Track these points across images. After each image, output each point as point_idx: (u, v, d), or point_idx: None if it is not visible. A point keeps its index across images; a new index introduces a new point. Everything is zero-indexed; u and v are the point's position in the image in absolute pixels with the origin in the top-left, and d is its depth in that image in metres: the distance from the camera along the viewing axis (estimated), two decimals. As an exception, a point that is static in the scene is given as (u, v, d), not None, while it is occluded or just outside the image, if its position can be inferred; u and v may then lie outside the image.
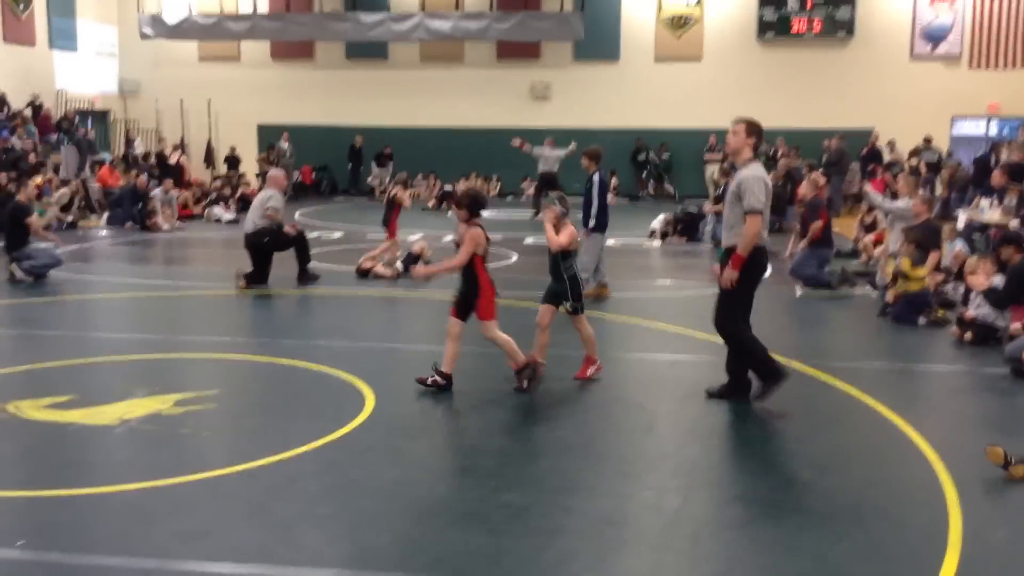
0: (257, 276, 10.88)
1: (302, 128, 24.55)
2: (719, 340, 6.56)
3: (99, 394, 6.34)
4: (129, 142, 23.74)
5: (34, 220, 11.16)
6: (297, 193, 23.90)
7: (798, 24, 23.41)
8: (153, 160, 21.34)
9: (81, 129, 21.90)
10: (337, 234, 16.30)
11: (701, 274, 11.74)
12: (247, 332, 8.68)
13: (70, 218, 16.44)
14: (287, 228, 11.36)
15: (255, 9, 24.00)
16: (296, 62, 25.80)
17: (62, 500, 4.66)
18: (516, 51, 24.52)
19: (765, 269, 6.43)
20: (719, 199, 15.15)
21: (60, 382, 6.69)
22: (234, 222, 17.98)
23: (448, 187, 22.12)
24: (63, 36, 23.96)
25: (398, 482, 4.93)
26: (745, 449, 5.73)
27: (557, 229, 6.80)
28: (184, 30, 23.95)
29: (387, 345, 8.09)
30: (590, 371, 6.94)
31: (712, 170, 21.46)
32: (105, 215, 17.29)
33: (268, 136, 24.88)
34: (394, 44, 24.90)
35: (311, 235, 14.91)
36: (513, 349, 6.55)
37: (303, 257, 11.34)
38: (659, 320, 9.13)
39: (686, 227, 15.65)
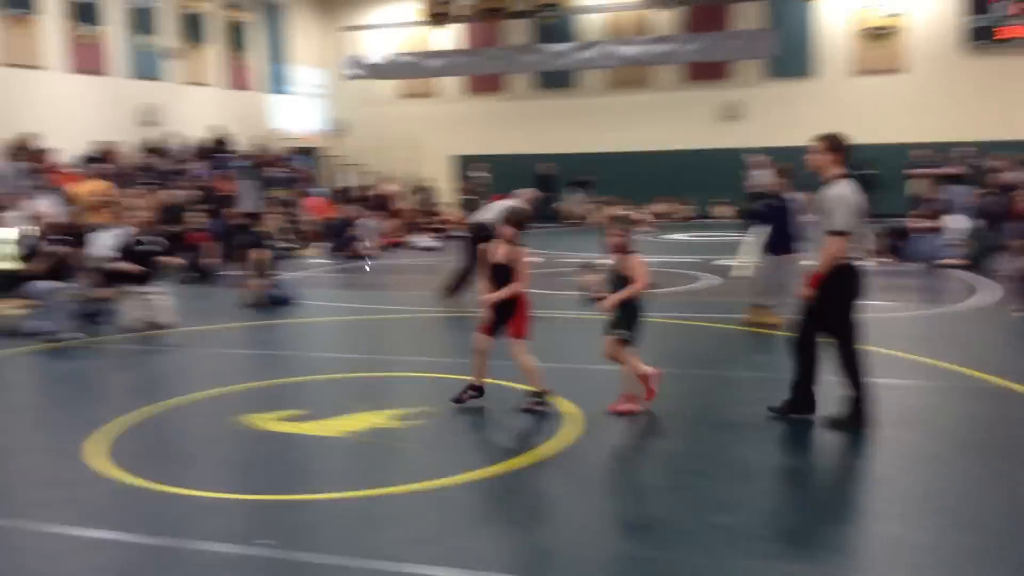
0: (460, 282, 11.36)
1: (496, 158, 25.31)
2: (932, 363, 6.30)
3: (325, 408, 6.81)
4: (340, 176, 25.26)
5: (260, 253, 12.10)
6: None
7: (1006, 31, 21.99)
8: (361, 192, 22.59)
9: (287, 167, 23.46)
10: (536, 259, 16.63)
11: (909, 294, 11.22)
12: (455, 352, 9.03)
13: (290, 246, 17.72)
14: None
15: (451, 46, 25.08)
16: (489, 95, 26.69)
17: (300, 504, 5.05)
18: (705, 72, 24.34)
19: (855, 289, 6.12)
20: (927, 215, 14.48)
21: (291, 397, 7.25)
22: (434, 249, 18.78)
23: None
24: (278, 80, 25.92)
25: (610, 500, 5.03)
26: (967, 474, 5.45)
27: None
28: (385, 70, 25.34)
29: (596, 367, 8.21)
30: (626, 406, 6.62)
31: (917, 185, 20.41)
32: (320, 245, 18.49)
33: (465, 167, 25.84)
34: (582, 72, 25.30)
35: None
36: (534, 378, 6.59)
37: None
38: (871, 344, 8.80)
39: (893, 245, 15.01)
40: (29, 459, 6.03)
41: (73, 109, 19.07)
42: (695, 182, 23.39)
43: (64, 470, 5.67)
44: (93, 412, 7.10)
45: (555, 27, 24.29)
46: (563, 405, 6.80)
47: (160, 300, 10.58)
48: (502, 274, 6.63)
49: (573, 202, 24.45)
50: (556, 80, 25.67)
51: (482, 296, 6.78)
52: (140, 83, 21.03)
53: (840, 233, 5.90)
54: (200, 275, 14.44)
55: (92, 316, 10.73)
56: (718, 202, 23.64)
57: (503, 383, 7.53)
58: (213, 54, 23.50)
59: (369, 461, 5.83)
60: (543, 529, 4.64)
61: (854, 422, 6.04)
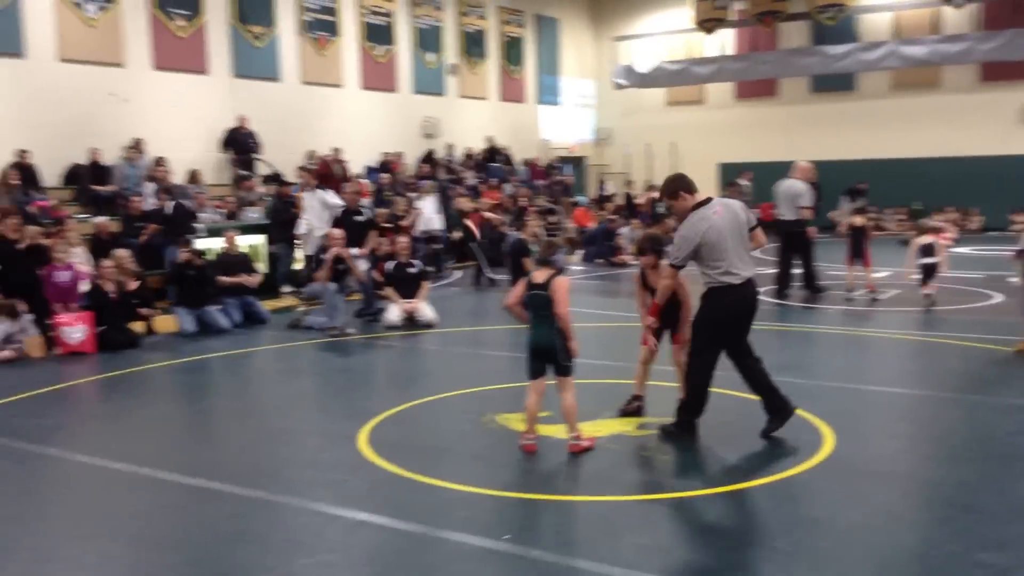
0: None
1: (764, 165, 24.55)
2: None
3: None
4: (601, 185, 25.63)
5: (529, 262, 12.53)
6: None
7: None
8: (622, 201, 22.76)
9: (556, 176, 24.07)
10: (798, 271, 15.98)
11: None
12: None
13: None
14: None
15: (721, 52, 24.66)
16: (759, 100, 25.98)
17: (541, 503, 5.21)
18: (1003, 72, 22.23)
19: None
20: None
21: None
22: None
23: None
24: (548, 92, 26.72)
25: (859, 526, 4.75)
26: None
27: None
28: (654, 78, 25.35)
29: (849, 385, 7.80)
30: None
31: None
32: (580, 252, 18.85)
33: (729, 175, 25.28)
34: (862, 74, 23.99)
35: (769, 271, 14.86)
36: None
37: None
38: None
39: None
40: (305, 441, 6.64)
41: (365, 123, 20.75)
42: (985, 191, 21.43)
43: (334, 454, 6.21)
44: (363, 403, 7.71)
45: (835, 28, 23.18)
46: (816, 423, 6.51)
47: (424, 302, 11.29)
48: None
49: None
50: (833, 83, 24.50)
51: (644, 316, 6.79)
52: (423, 98, 22.49)
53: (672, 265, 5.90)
54: (477, 278, 15.21)
55: (364, 313, 11.67)
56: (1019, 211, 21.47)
57: (750, 396, 7.34)
58: (490, 68, 24.65)
59: (610, 467, 5.87)
60: (782, 551, 4.46)
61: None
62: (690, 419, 6.26)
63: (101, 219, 12.69)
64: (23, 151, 13.91)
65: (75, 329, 9.92)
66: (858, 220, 12.87)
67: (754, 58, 24.33)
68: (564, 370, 6.06)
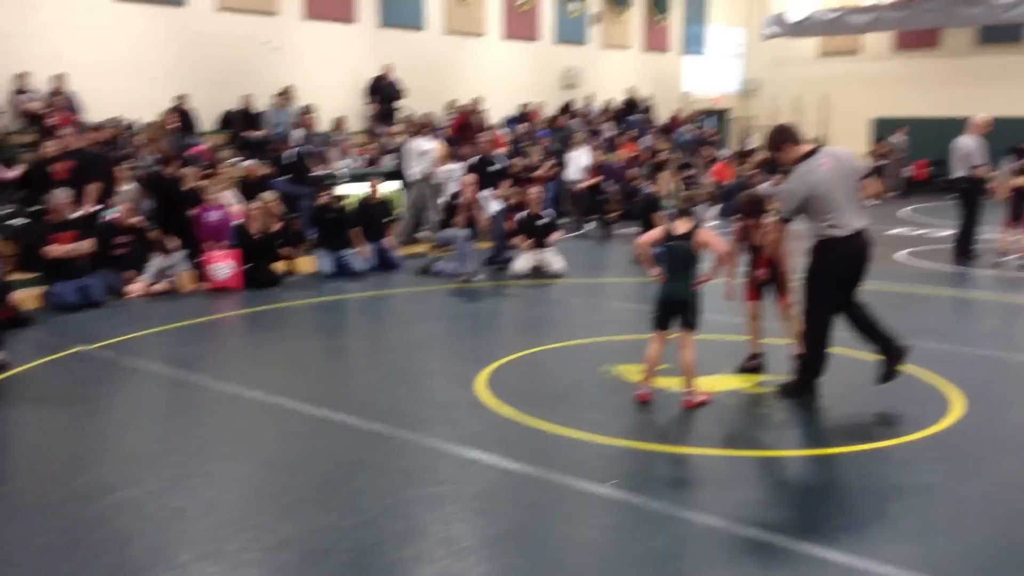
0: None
1: (921, 120, 23.31)
2: None
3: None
4: (744, 139, 24.91)
5: (659, 216, 12.41)
6: (909, 189, 22.85)
7: None
8: (764, 156, 22.06)
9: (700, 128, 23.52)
10: (945, 232, 15.22)
11: None
12: (836, 325, 8.64)
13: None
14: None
15: (880, 0, 23.39)
16: (920, 51, 24.57)
17: (650, 453, 5.24)
18: None
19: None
20: None
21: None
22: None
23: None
24: (694, 42, 26.07)
25: (981, 494, 4.58)
26: None
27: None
28: (807, 27, 24.32)
29: (987, 352, 7.44)
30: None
31: None
32: (718, 207, 18.46)
33: (883, 130, 24.13)
34: (1034, 24, 22.31)
35: (916, 232, 14.16)
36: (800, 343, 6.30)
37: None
38: None
39: None
40: (426, 381, 6.88)
41: (506, 73, 20.84)
42: None
43: (452, 395, 6.41)
44: (485, 347, 7.91)
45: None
46: (946, 389, 6.27)
47: (553, 252, 11.37)
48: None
49: (1006, 171, 21.72)
50: (1001, 34, 22.87)
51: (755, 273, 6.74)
52: (565, 48, 22.36)
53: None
54: (605, 230, 15.18)
55: (494, 261, 11.85)
56: None
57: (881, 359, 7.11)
58: (634, 17, 24.22)
59: (724, 422, 5.85)
60: (892, 514, 4.36)
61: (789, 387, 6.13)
62: (810, 378, 6.13)
63: (250, 163, 13.29)
64: (181, 96, 14.70)
65: (223, 266, 10.51)
66: (1020, 181, 12.10)
67: (915, 6, 22.93)
68: (691, 325, 6.04)
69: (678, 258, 6.03)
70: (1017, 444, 5.34)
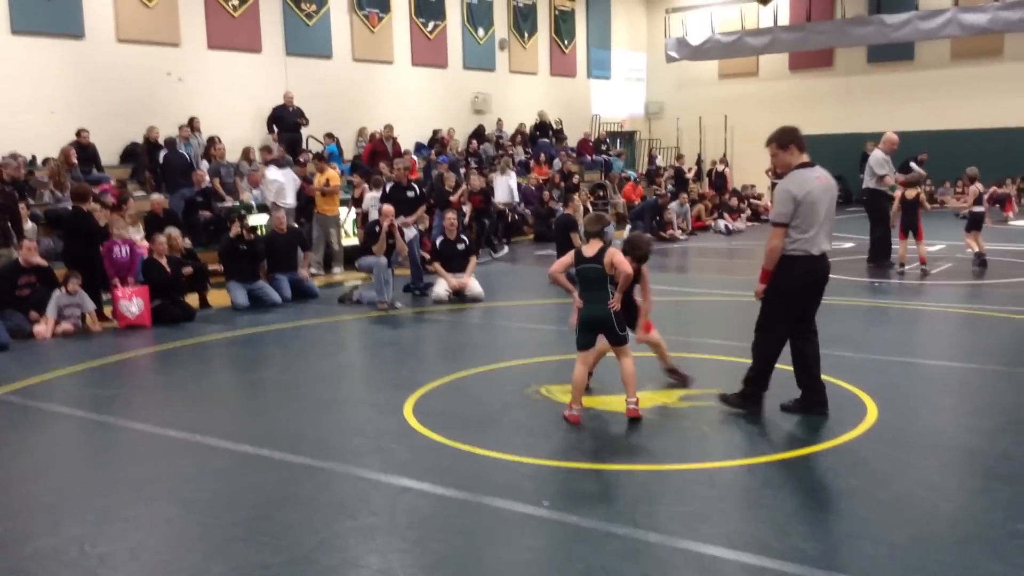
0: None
1: (817, 137, 24.15)
2: None
3: (616, 385, 6.99)
4: (651, 159, 25.47)
5: (576, 236, 12.55)
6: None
7: None
8: (671, 175, 22.61)
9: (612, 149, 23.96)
10: (847, 244, 15.85)
11: None
12: (750, 337, 8.87)
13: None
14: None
15: (775, 22, 24.26)
16: (814, 71, 25.58)
17: (581, 472, 5.29)
18: (1070, 38, 21.59)
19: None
20: None
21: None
22: (740, 232, 18.46)
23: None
24: (599, 66, 26.57)
25: (898, 496, 4.75)
26: None
27: None
28: (706, 50, 25.05)
29: (895, 358, 7.74)
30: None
31: None
32: (627, 227, 18.78)
33: (783, 148, 24.95)
34: (921, 43, 23.44)
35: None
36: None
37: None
38: None
39: None
40: (352, 411, 6.80)
41: (416, 100, 20.88)
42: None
43: (380, 423, 6.35)
44: (410, 374, 7.86)
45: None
46: (860, 395, 6.50)
47: (471, 277, 11.41)
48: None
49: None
50: (891, 53, 23.98)
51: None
52: (474, 73, 22.53)
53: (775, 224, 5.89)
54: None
55: (413, 288, 11.82)
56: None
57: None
58: (540, 43, 24.57)
59: (650, 438, 5.93)
60: (820, 520, 4.49)
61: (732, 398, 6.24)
62: (755, 391, 6.23)
63: (156, 196, 12.99)
64: (82, 130, 14.29)
65: (132, 303, 10.22)
66: (911, 193, 12.67)
67: (809, 28, 23.87)
68: (620, 339, 6.15)
69: (591, 279, 6.12)
70: (930, 446, 5.56)
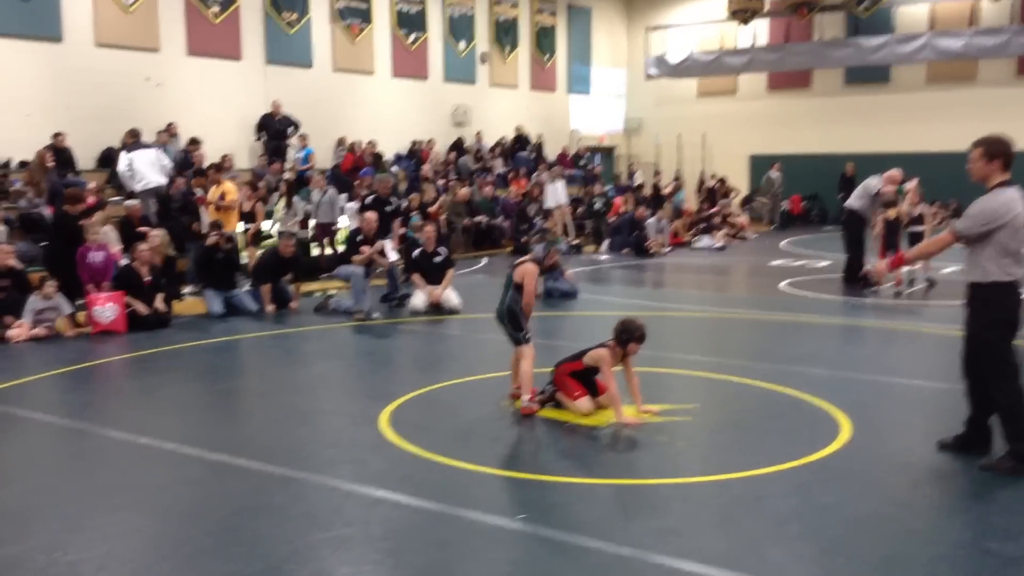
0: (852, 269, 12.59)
1: (794, 157, 24.45)
2: None
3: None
4: (630, 175, 25.60)
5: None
6: (785, 222, 23.87)
7: None
8: (649, 192, 22.72)
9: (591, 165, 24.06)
10: (823, 263, 15.97)
11: None
12: (726, 353, 8.93)
13: (575, 242, 18.27)
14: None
15: (754, 43, 24.51)
16: (792, 92, 25.82)
17: (556, 485, 5.28)
18: (1042, 65, 21.96)
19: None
20: None
21: (561, 385, 7.52)
22: (721, 250, 18.57)
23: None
24: (579, 82, 26.69)
25: (871, 514, 4.77)
26: None
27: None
28: (686, 68, 25.28)
29: (869, 377, 7.81)
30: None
31: None
32: (606, 242, 18.85)
33: (759, 166, 25.18)
34: (897, 67, 23.76)
35: (797, 263, 14.76)
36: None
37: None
38: None
39: None
40: (327, 421, 6.76)
41: (396, 111, 20.88)
42: (1021, 185, 21.17)
43: (355, 434, 6.33)
44: (386, 385, 7.84)
45: (870, 19, 22.98)
46: (833, 413, 6.54)
47: (449, 289, 11.39)
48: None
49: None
50: (868, 75, 24.29)
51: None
52: (454, 86, 22.57)
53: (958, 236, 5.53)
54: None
55: (390, 298, 11.80)
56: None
57: (770, 386, 7.38)
58: (521, 57, 24.66)
59: (626, 452, 5.95)
60: (792, 536, 4.51)
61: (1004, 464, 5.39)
62: None
63: (132, 202, 12.88)
64: (58, 134, 14.17)
65: (106, 308, 10.12)
66: (891, 213, 12.81)
67: (787, 49, 24.17)
68: (516, 340, 6.86)
69: (506, 283, 6.92)
70: (902, 464, 5.60)
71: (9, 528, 4.75)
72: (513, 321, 6.82)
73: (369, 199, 12.81)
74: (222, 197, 13.27)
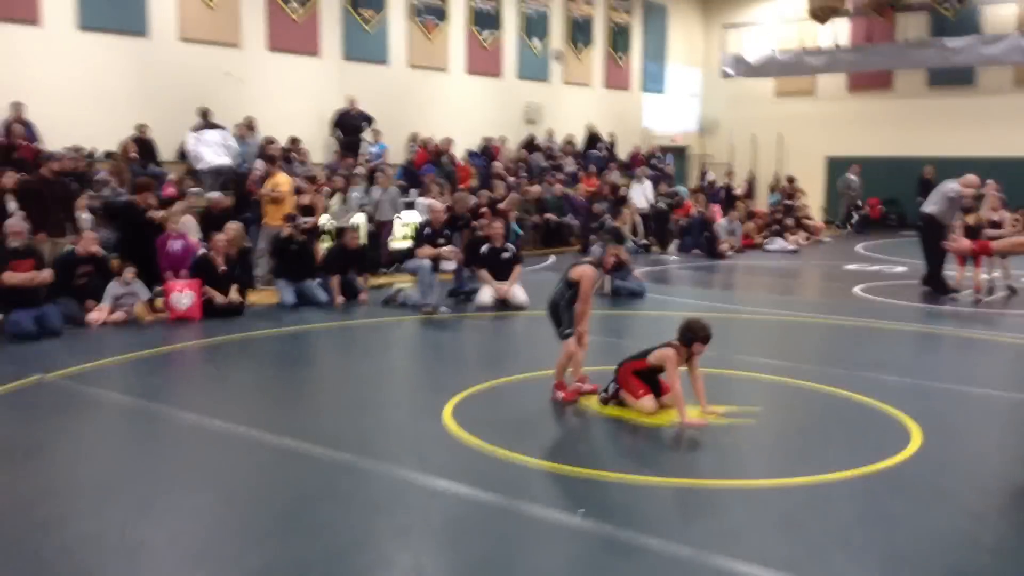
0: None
1: (873, 160, 23.89)
2: None
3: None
4: (703, 175, 25.30)
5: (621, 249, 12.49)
6: (863, 226, 23.35)
7: None
8: (724, 192, 22.43)
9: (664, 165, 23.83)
10: (900, 268, 15.59)
11: None
12: (796, 357, 8.78)
13: (643, 242, 18.14)
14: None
15: (835, 42, 24.01)
16: (873, 93, 25.22)
17: (617, 483, 5.27)
18: None
19: None
20: None
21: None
22: (794, 252, 18.25)
23: None
24: (653, 80, 26.49)
25: (938, 525, 4.66)
26: None
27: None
28: (764, 68, 24.86)
29: (942, 385, 7.61)
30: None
31: None
32: (676, 242, 18.69)
33: (837, 169, 24.67)
34: (983, 68, 23.03)
35: (872, 268, 14.45)
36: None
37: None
38: None
39: None
40: (392, 412, 6.86)
41: (469, 108, 21.00)
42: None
43: (419, 425, 6.40)
44: (450, 378, 7.90)
45: (955, 20, 22.31)
46: (904, 420, 6.40)
47: (516, 285, 11.43)
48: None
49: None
50: (952, 77, 23.58)
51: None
52: (527, 84, 22.60)
53: None
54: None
55: (457, 293, 11.88)
56: None
57: (839, 392, 7.25)
58: (595, 55, 24.58)
59: (690, 452, 5.92)
60: (856, 545, 4.42)
61: None
62: None
63: (214, 194, 13.21)
64: (142, 126, 14.61)
65: (183, 296, 10.41)
66: (971, 219, 12.46)
67: (869, 49, 23.59)
68: (562, 336, 6.97)
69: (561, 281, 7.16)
70: (974, 475, 5.45)
71: (86, 504, 4.94)
72: (555, 316, 6.99)
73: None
74: (274, 189, 12.92)
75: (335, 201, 14.10)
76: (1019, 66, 22.30)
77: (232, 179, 14.61)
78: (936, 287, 12.60)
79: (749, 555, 4.28)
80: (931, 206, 12.66)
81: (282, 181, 12.99)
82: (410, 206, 15.57)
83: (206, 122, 14.80)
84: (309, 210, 13.06)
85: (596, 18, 24.45)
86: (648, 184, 19.43)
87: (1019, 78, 22.96)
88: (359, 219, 14.31)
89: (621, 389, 6.77)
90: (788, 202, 21.92)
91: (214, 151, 14.16)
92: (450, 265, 11.85)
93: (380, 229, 14.90)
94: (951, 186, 12.56)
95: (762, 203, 23.60)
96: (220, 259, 10.81)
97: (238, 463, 5.63)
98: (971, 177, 12.64)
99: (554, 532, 4.58)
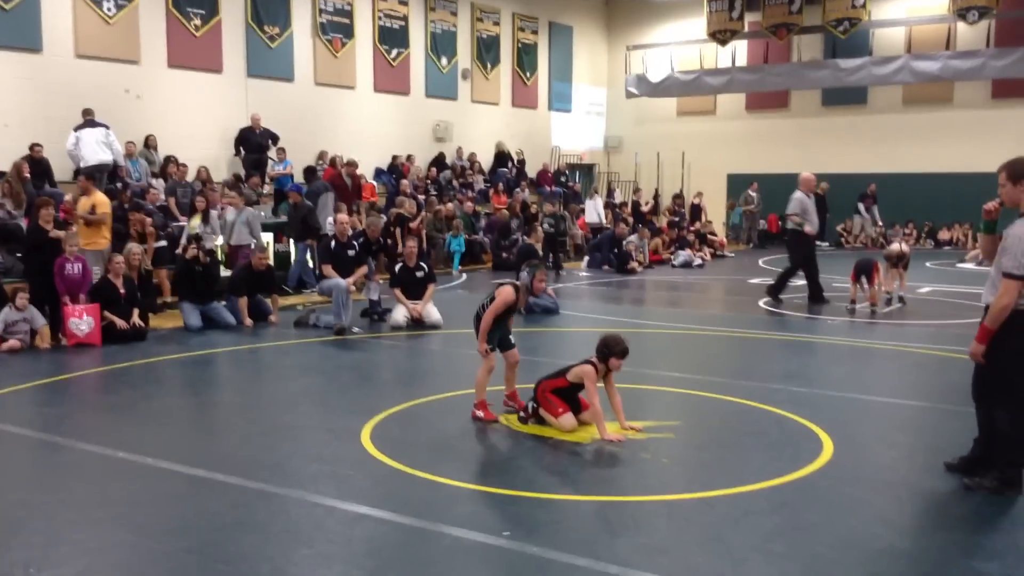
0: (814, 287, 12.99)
1: (771, 176, 24.64)
2: None
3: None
4: (610, 193, 25.70)
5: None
6: (763, 241, 24.07)
7: None
8: (629, 209, 22.81)
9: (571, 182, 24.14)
10: (801, 282, 16.04)
11: None
12: (708, 371, 8.95)
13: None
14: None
15: (733, 63, 24.72)
16: (770, 112, 26.05)
17: (541, 501, 5.25)
18: (1015, 89, 22.28)
19: None
20: None
21: (543, 402, 7.50)
22: (700, 267, 18.66)
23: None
24: (560, 99, 26.81)
25: (855, 532, 4.78)
26: None
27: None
28: (666, 87, 25.43)
29: (849, 395, 7.85)
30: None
31: None
32: (585, 259, 18.90)
33: (737, 185, 25.37)
34: (874, 88, 24.05)
35: (773, 281, 14.85)
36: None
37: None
38: None
39: None
40: (308, 436, 6.69)
41: (377, 126, 20.86)
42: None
43: (337, 449, 6.27)
44: (367, 400, 7.78)
45: (848, 41, 23.24)
46: (816, 431, 6.56)
47: (430, 304, 11.36)
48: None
49: (858, 223, 23.43)
50: (844, 97, 24.56)
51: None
52: (436, 102, 22.59)
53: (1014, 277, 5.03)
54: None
55: (370, 314, 11.74)
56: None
57: (752, 404, 7.39)
58: (503, 74, 24.73)
59: (610, 468, 5.93)
60: (778, 554, 4.50)
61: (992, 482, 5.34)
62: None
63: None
64: (36, 145, 14.03)
65: (82, 321, 10.00)
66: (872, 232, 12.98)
67: (766, 70, 24.39)
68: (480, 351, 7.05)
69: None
70: (885, 483, 5.62)
71: (-16, 543, 4.66)
72: (477, 329, 7.06)
73: (359, 240, 12.00)
74: (92, 210, 11.37)
75: (196, 222, 13.29)
76: (908, 86, 23.33)
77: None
78: (822, 298, 13.18)
79: (675, 570, 4.31)
80: (792, 217, 13.32)
81: (100, 201, 11.51)
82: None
83: (86, 121, 14.17)
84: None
85: (503, 37, 24.63)
86: (599, 200, 20.07)
87: (909, 98, 24.05)
88: (218, 241, 13.55)
89: (540, 407, 6.77)
90: (674, 219, 22.43)
91: (93, 149, 13.69)
92: (373, 294, 11.74)
93: (234, 252, 13.51)
94: (795, 194, 13.17)
95: (662, 219, 24.08)
96: (119, 281, 10.44)
97: (148, 495, 5.40)
98: (806, 175, 13.26)
99: (479, 554, 4.52)
